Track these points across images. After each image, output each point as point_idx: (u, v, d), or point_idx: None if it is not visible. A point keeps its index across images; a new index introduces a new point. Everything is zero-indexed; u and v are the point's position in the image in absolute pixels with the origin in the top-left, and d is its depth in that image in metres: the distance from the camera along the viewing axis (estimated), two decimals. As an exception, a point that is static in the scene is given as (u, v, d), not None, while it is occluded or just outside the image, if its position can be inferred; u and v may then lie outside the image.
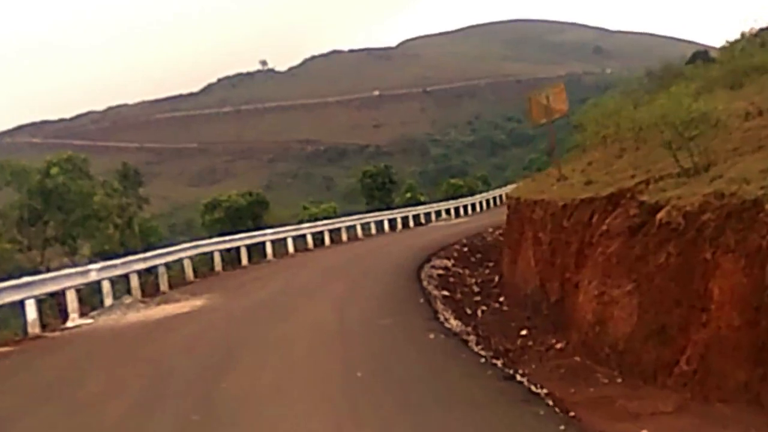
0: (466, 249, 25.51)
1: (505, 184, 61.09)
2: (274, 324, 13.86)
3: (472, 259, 23.56)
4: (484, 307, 15.79)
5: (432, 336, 11.32)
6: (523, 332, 12.89)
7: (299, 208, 45.71)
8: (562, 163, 23.20)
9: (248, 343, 12.33)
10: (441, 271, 20.61)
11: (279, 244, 30.99)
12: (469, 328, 12.60)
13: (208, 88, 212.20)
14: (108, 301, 19.01)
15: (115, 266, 20.27)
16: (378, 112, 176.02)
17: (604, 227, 11.13)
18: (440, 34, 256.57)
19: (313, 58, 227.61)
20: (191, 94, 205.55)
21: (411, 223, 42.72)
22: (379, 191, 48.96)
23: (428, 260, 22.37)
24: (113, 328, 16.06)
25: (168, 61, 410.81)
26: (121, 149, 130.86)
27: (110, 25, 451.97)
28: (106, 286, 19.27)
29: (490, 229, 29.61)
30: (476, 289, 18.49)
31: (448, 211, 47.71)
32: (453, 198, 50.88)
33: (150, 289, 22.00)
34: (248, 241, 28.75)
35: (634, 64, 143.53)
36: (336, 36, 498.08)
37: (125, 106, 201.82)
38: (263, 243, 29.83)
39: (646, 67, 35.66)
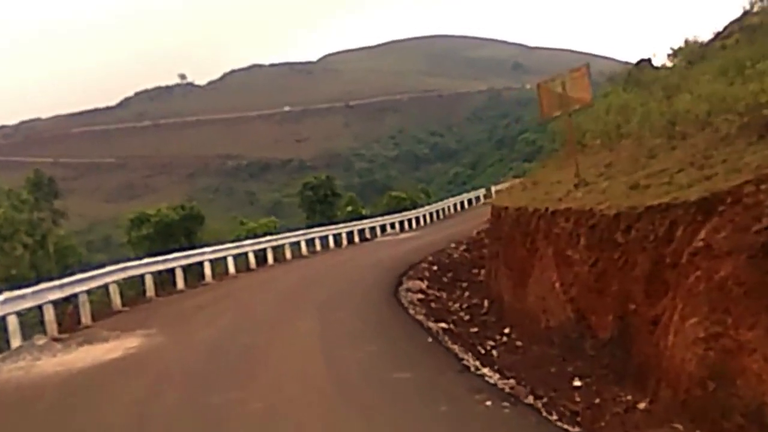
0: (435, 268, 22.70)
1: (441, 199, 59.32)
2: (247, 385, 9.92)
3: (444, 280, 20.72)
4: (491, 342, 12.76)
5: (488, 402, 7.84)
6: (577, 383, 9.79)
7: (224, 223, 42.61)
8: (552, 168, 20.50)
9: (222, 425, 8.38)
10: (420, 296, 17.54)
11: (217, 263, 27.38)
12: (512, 381, 9.41)
13: (126, 102, 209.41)
14: (15, 341, 15.26)
15: (23, 297, 16.42)
16: (300, 127, 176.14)
17: (700, 243, 8.18)
18: (361, 49, 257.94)
19: (233, 72, 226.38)
20: (108, 108, 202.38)
21: (356, 239, 39.72)
22: (320, 204, 45.65)
23: (400, 283, 19.34)
24: (19, 385, 12.15)
25: (83, 74, 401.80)
26: (35, 164, 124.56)
27: (21, 35, 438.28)
28: (12, 322, 15.50)
29: (453, 245, 27.29)
30: (465, 317, 15.49)
31: (393, 226, 44.82)
32: (397, 211, 47.83)
33: (69, 323, 18.22)
34: (184, 261, 25.00)
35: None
36: (256, 50, 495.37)
37: (38, 120, 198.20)
38: (201, 263, 26.09)
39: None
